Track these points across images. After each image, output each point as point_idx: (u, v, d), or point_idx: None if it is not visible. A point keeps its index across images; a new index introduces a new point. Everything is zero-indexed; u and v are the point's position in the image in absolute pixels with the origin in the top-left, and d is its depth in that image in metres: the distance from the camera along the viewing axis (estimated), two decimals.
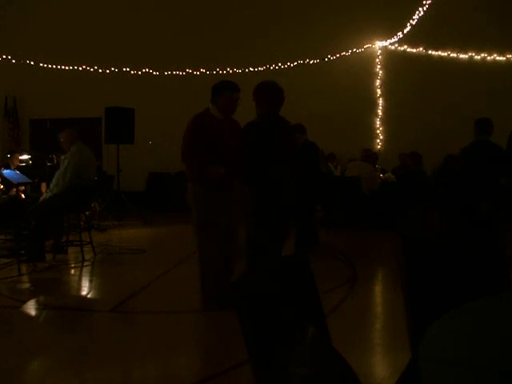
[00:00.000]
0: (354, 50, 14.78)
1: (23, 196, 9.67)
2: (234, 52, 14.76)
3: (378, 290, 7.27)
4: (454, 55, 14.33)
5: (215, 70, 15.06)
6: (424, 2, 14.13)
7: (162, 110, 14.46)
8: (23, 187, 9.84)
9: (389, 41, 14.67)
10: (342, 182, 11.83)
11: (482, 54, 14.22)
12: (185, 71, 15.42)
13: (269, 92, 5.57)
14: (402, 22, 14.32)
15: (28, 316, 5.75)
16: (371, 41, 14.76)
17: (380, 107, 14.79)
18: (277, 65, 14.89)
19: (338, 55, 14.80)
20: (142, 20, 15.10)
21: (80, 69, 15.86)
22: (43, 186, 10.03)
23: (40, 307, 6.02)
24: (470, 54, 14.27)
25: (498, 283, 2.67)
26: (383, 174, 12.89)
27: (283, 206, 5.48)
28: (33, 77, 15.65)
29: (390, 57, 14.70)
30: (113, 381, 4.10)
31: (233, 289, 1.84)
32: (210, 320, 5.67)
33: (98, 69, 15.82)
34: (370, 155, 12.51)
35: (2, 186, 9.73)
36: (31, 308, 5.99)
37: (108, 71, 15.76)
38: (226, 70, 15.05)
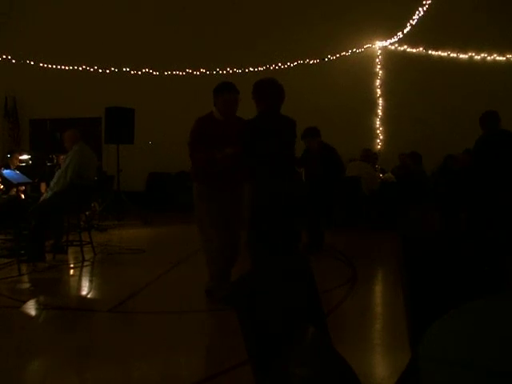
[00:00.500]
0: (354, 50, 14.78)
1: (23, 196, 9.67)
2: (234, 52, 14.75)
3: (378, 290, 7.27)
4: (454, 55, 14.34)
5: (215, 70, 15.07)
6: (424, 2, 14.13)
7: (162, 110, 14.47)
8: (23, 187, 9.85)
9: (389, 41, 14.67)
10: (342, 182, 11.83)
11: (482, 54, 14.23)
12: (185, 71, 15.42)
13: (267, 90, 5.54)
14: (401, 21, 14.33)
15: (28, 316, 5.75)
16: (371, 41, 14.76)
17: (380, 107, 14.80)
18: (277, 65, 14.89)
19: (337, 55, 14.80)
20: (142, 20, 15.11)
21: (80, 69, 15.87)
22: (43, 186, 10.04)
23: (40, 307, 6.01)
24: (469, 54, 14.28)
25: (498, 283, 2.67)
26: (383, 174, 12.89)
27: (278, 206, 5.41)
28: (33, 77, 15.64)
29: (390, 57, 14.70)
30: (113, 381, 4.10)
31: (233, 288, 1.84)
32: (210, 320, 5.68)
33: (98, 69, 15.82)
34: (369, 155, 12.53)
35: (1, 186, 9.74)
36: (31, 308, 5.99)
37: (108, 71, 15.77)
38: (226, 70, 15.05)
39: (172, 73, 15.48)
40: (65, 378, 4.13)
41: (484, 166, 6.96)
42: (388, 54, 14.76)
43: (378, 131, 14.81)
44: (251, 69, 14.97)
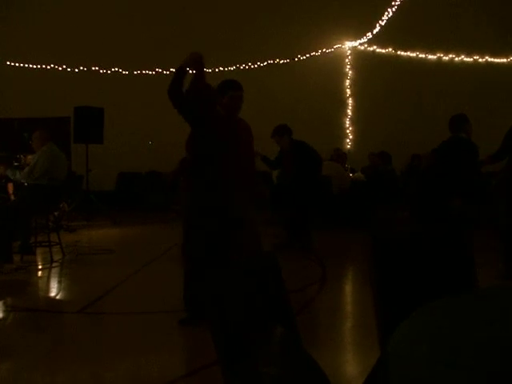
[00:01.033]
0: (324, 50, 14.86)
1: None
2: (204, 52, 14.67)
3: (348, 289, 7.30)
4: (423, 56, 14.50)
5: None
6: (393, 3, 14.25)
7: (131, 110, 14.40)
8: None
9: (358, 41, 14.78)
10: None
11: (450, 55, 14.40)
12: (154, 71, 15.36)
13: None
14: (371, 22, 14.44)
15: None
16: (341, 41, 14.85)
17: (350, 107, 14.90)
18: (247, 64, 14.91)
19: (308, 55, 14.86)
20: (111, 19, 15.00)
21: (48, 67, 15.71)
22: (10, 186, 9.91)
23: (8, 309, 5.94)
24: (438, 54, 14.45)
25: (466, 281, 2.70)
26: (353, 174, 12.97)
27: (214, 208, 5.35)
28: (0, 76, 15.45)
29: (360, 57, 14.82)
30: (82, 382, 4.06)
31: (201, 289, 1.83)
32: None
33: (66, 68, 15.68)
34: (340, 155, 12.59)
35: None
36: None
37: (77, 70, 15.64)
38: None
39: (141, 72, 15.42)
40: (34, 380, 4.08)
41: (442, 170, 7.13)
42: (357, 54, 14.87)
43: (348, 131, 14.90)
44: (221, 68, 14.96)
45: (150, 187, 14.33)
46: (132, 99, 14.50)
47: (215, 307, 1.83)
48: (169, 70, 15.22)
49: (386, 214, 11.81)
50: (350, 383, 3.93)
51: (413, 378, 1.47)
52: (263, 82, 13.90)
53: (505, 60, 14.25)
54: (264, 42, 14.49)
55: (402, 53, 14.51)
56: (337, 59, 14.92)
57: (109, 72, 15.57)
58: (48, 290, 7.07)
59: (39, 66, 15.74)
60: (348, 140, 14.90)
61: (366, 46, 14.76)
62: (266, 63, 14.79)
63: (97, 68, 15.58)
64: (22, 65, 15.75)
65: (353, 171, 13.28)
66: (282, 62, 14.86)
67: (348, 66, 14.95)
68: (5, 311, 5.89)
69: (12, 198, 9.53)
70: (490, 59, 14.28)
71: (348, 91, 14.92)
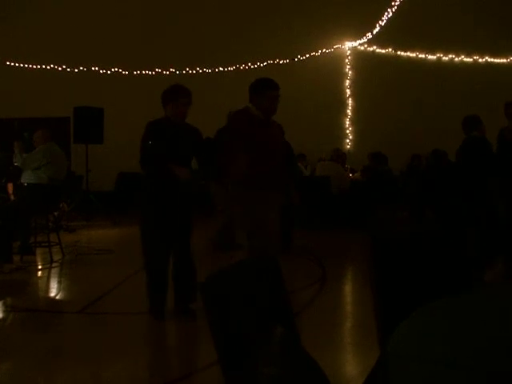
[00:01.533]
0: (324, 50, 14.86)
1: None
2: (204, 52, 14.73)
3: (348, 289, 7.31)
4: (423, 56, 14.50)
5: (185, 70, 15.03)
6: (393, 3, 14.25)
7: (131, 110, 14.37)
8: None
9: (358, 41, 14.78)
10: (312, 181, 11.87)
11: (450, 55, 14.40)
12: (154, 71, 15.35)
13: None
14: (371, 22, 14.44)
15: None
16: (341, 41, 14.85)
17: (349, 107, 14.90)
18: (247, 64, 14.90)
19: (307, 55, 14.86)
20: (111, 19, 14.99)
21: (48, 68, 15.70)
22: (10, 186, 9.91)
23: (7, 309, 5.94)
24: (438, 54, 14.45)
25: (466, 281, 2.70)
26: (353, 174, 12.97)
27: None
28: (0, 76, 15.44)
29: (360, 57, 14.81)
30: (82, 382, 4.06)
31: (202, 289, 1.84)
32: (179, 321, 5.65)
33: (66, 68, 15.67)
34: (339, 155, 12.58)
35: None
36: None
37: (76, 70, 15.63)
38: (196, 70, 15.03)
39: (141, 72, 15.41)
40: (33, 380, 4.08)
41: (463, 169, 7.06)
42: (357, 54, 14.87)
43: (348, 131, 14.90)
44: (221, 68, 14.96)
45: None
46: (132, 99, 14.47)
47: (215, 307, 1.84)
48: (169, 70, 15.23)
49: (385, 214, 11.81)
50: (349, 383, 3.93)
51: (413, 378, 1.47)
52: None
53: (505, 60, 14.26)
54: (264, 42, 14.48)
55: (402, 53, 14.51)
56: (337, 59, 14.92)
57: (109, 72, 15.57)
58: (48, 290, 7.08)
59: (39, 66, 15.73)
60: (348, 140, 14.90)
61: (365, 46, 14.76)
62: (265, 63, 14.77)
63: (97, 68, 15.58)
64: (21, 65, 15.74)
65: (352, 171, 13.28)
66: (281, 62, 14.85)
67: (348, 66, 14.95)
68: (5, 311, 5.89)
69: (12, 198, 9.53)
70: (489, 59, 14.28)
71: (348, 91, 14.92)
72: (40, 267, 8.06)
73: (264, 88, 5.43)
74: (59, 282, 7.36)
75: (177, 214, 5.47)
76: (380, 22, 14.39)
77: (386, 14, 14.31)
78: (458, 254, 2.77)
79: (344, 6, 14.08)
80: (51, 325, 5.49)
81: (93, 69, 15.56)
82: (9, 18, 15.39)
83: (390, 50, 14.52)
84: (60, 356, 4.57)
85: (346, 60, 14.93)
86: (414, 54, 14.49)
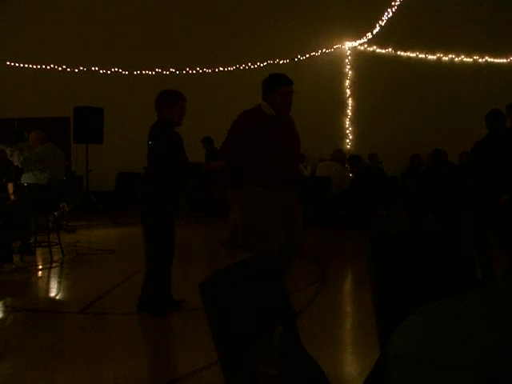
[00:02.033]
0: (324, 50, 14.85)
1: None
2: (204, 52, 14.73)
3: (348, 289, 7.31)
4: (423, 56, 14.49)
5: (185, 70, 15.03)
6: (393, 3, 14.25)
7: (131, 110, 14.37)
8: None
9: (358, 41, 14.77)
10: (312, 181, 11.87)
11: (450, 55, 14.40)
12: (154, 71, 15.35)
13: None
14: (371, 22, 14.44)
15: None
16: (341, 41, 14.84)
17: (349, 107, 14.89)
18: (247, 64, 14.90)
19: (307, 55, 14.85)
20: (111, 19, 14.99)
21: (48, 68, 15.69)
22: (10, 186, 9.91)
23: (7, 309, 5.93)
24: (438, 54, 14.44)
25: (466, 281, 2.70)
26: (352, 174, 12.97)
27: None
28: (0, 76, 15.44)
29: (360, 57, 14.81)
30: (82, 382, 4.06)
31: (202, 290, 1.84)
32: (179, 321, 5.65)
33: (66, 68, 15.66)
34: (339, 155, 12.59)
35: None
36: None
37: (77, 70, 15.61)
38: (196, 70, 15.03)
39: (141, 72, 15.40)
40: (34, 380, 4.08)
41: (484, 167, 6.72)
42: (357, 54, 14.86)
43: (348, 131, 14.90)
44: (221, 68, 14.96)
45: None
46: (132, 99, 14.46)
47: (215, 307, 1.84)
48: (168, 70, 15.22)
49: (384, 214, 11.83)
50: (349, 383, 3.93)
51: (413, 378, 1.47)
52: None
53: (505, 60, 14.25)
54: (264, 42, 14.48)
55: (402, 53, 14.51)
56: (337, 59, 14.91)
57: (109, 72, 15.56)
58: (48, 290, 7.08)
59: (39, 66, 15.72)
60: (348, 140, 14.89)
61: (365, 46, 14.76)
62: (265, 63, 14.76)
63: (97, 68, 15.57)
64: (21, 65, 15.73)
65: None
66: (281, 62, 14.84)
67: (348, 67, 14.94)
68: (5, 311, 5.89)
69: (12, 197, 9.53)
70: (489, 59, 14.27)
71: (348, 91, 14.91)
72: (40, 267, 8.06)
73: (277, 84, 5.38)
74: (59, 282, 7.35)
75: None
76: (380, 22, 14.39)
77: (386, 14, 14.31)
78: (457, 254, 2.77)
79: (344, 6, 14.09)
80: (51, 325, 5.49)
81: (93, 69, 15.55)
82: (9, 18, 15.38)
83: (390, 50, 14.52)
84: (60, 356, 4.57)
85: (346, 60, 14.92)
86: (414, 54, 14.48)
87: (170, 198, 5.47)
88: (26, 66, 15.72)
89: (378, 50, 14.62)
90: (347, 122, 14.89)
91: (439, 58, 14.50)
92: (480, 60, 14.34)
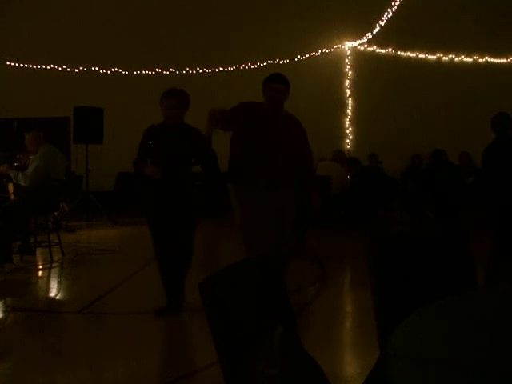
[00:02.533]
0: (324, 50, 14.85)
1: None
2: (204, 52, 14.73)
3: (348, 289, 7.30)
4: (423, 56, 14.50)
5: (185, 70, 15.03)
6: (393, 4, 14.25)
7: (131, 110, 14.36)
8: None
9: (358, 41, 14.78)
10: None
11: (450, 55, 14.40)
12: (154, 71, 15.35)
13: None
14: (371, 22, 14.44)
15: None
16: (341, 41, 14.84)
17: (349, 107, 14.90)
18: (247, 64, 14.90)
19: (307, 55, 14.86)
20: (111, 19, 14.98)
21: (48, 68, 15.69)
22: (10, 186, 9.91)
23: (7, 309, 5.93)
24: (438, 54, 14.44)
25: (466, 281, 2.70)
26: (350, 176, 12.97)
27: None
28: (0, 76, 15.43)
29: (360, 57, 14.81)
30: (82, 382, 4.06)
31: (202, 290, 1.84)
32: (179, 321, 5.65)
33: (66, 68, 15.66)
34: (340, 156, 12.59)
35: None
36: None
37: (76, 70, 15.61)
38: (196, 70, 15.03)
39: (141, 72, 15.40)
40: (34, 380, 4.08)
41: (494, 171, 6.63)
42: (357, 54, 14.86)
43: (348, 131, 14.90)
44: (221, 68, 14.96)
45: None
46: (132, 99, 14.45)
47: (215, 307, 1.84)
48: (169, 70, 15.22)
49: (384, 214, 11.83)
50: (349, 383, 3.93)
51: (413, 377, 1.47)
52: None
53: (505, 60, 14.25)
54: (264, 42, 14.47)
55: (402, 53, 14.51)
56: (337, 59, 14.91)
57: (109, 72, 15.55)
58: (48, 290, 7.08)
59: (39, 66, 15.71)
60: (348, 140, 14.89)
61: (365, 46, 14.76)
62: (265, 63, 14.76)
63: (97, 68, 15.56)
64: (21, 65, 15.72)
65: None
66: (281, 62, 14.84)
67: (348, 67, 14.94)
68: (5, 311, 5.89)
69: (12, 197, 9.53)
70: (489, 59, 14.27)
71: (348, 91, 14.91)
72: (40, 267, 8.05)
73: (266, 80, 5.58)
74: (59, 282, 7.35)
75: (173, 213, 5.46)
76: (380, 22, 14.39)
77: (386, 14, 14.30)
78: (457, 254, 2.77)
79: (344, 6, 14.08)
80: (51, 325, 5.49)
81: (93, 69, 15.55)
82: (9, 18, 15.37)
83: (390, 50, 14.52)
84: (60, 356, 4.57)
85: (346, 60, 14.92)
86: (414, 54, 14.48)
87: (148, 196, 5.56)
88: (26, 65, 15.72)
89: (378, 50, 14.62)
90: (347, 122, 14.89)
91: (439, 58, 14.50)
92: (480, 60, 14.34)
